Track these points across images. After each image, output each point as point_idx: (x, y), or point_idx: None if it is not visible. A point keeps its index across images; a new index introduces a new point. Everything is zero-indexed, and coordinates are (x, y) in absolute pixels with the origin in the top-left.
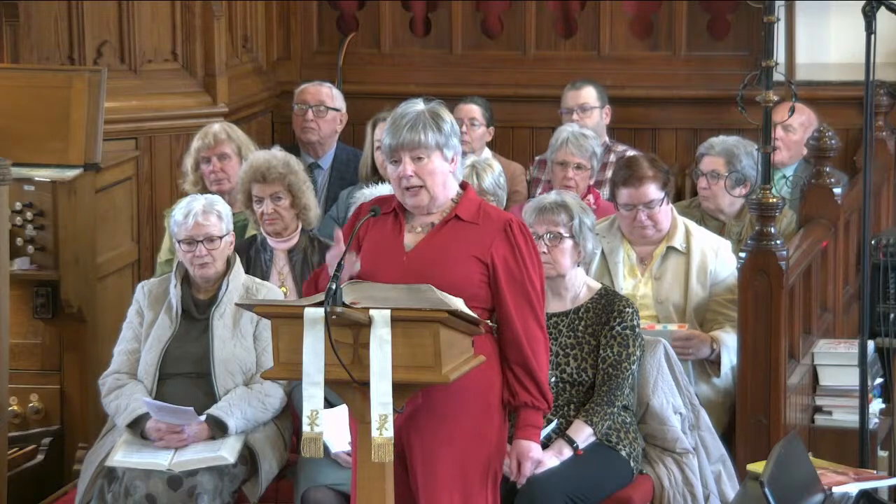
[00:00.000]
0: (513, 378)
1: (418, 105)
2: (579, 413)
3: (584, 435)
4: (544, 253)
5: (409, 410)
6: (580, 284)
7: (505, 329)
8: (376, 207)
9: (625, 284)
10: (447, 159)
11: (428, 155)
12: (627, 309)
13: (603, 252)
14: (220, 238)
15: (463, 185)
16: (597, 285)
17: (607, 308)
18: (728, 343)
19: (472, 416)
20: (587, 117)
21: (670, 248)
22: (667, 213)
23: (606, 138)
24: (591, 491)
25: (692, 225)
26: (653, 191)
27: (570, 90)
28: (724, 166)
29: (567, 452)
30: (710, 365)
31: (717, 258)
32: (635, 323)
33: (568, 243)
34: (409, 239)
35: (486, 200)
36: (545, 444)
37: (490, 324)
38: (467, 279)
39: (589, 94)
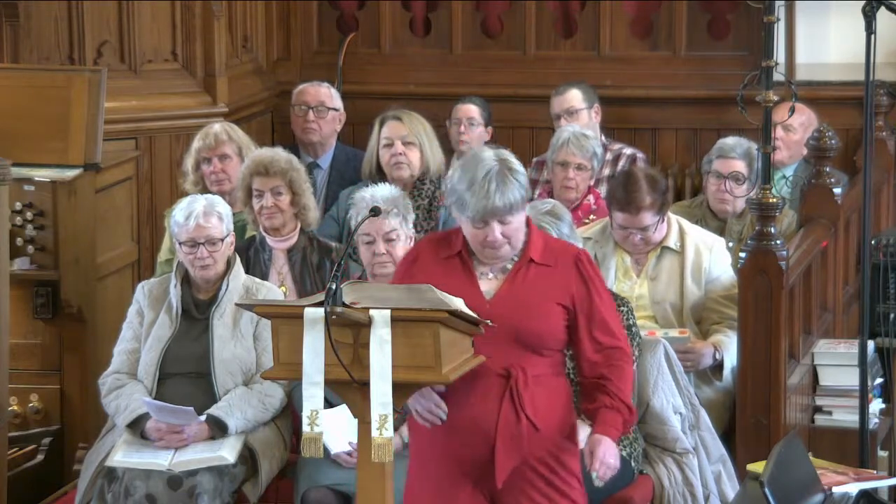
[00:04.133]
0: (592, 387)
1: (489, 160)
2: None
3: (584, 435)
4: None
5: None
6: None
7: (583, 361)
8: (376, 207)
9: (620, 286)
10: (525, 208)
11: (515, 215)
12: (622, 308)
13: (596, 257)
14: (222, 240)
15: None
16: None
17: None
18: (730, 347)
19: (559, 461)
20: (575, 120)
21: (665, 248)
22: (661, 230)
23: (603, 137)
24: (591, 491)
25: (685, 223)
26: (649, 218)
27: (555, 96)
28: (746, 168)
29: None
30: (712, 371)
31: (712, 255)
32: (630, 322)
33: None
34: (487, 285)
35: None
36: None
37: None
38: (554, 326)
39: (574, 98)
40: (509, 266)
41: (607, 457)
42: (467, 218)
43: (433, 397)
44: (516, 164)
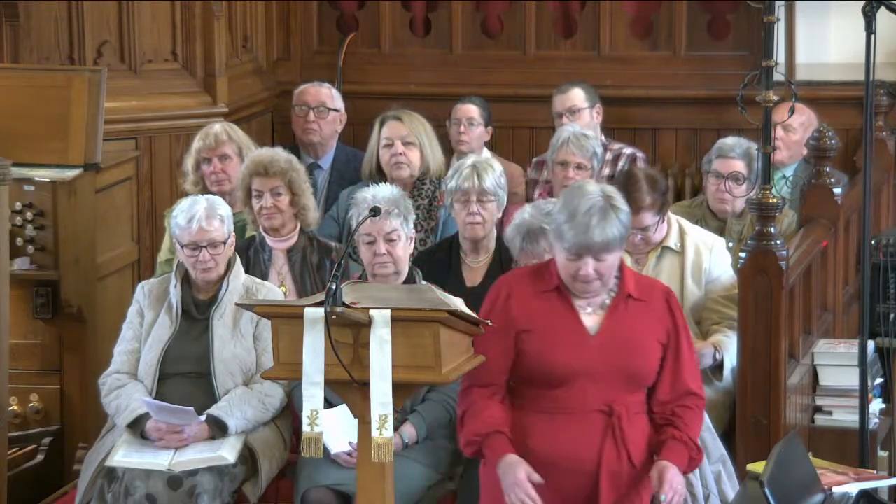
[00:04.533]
0: (662, 422)
1: (594, 195)
2: None
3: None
4: None
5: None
6: None
7: (655, 399)
8: (376, 208)
9: None
10: (622, 247)
11: (611, 253)
12: None
13: None
14: (224, 243)
15: None
16: None
17: None
18: (730, 347)
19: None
20: (577, 119)
21: (665, 248)
22: (661, 230)
23: (603, 137)
24: None
25: (685, 223)
26: (649, 218)
27: (557, 94)
28: (745, 168)
29: None
30: (712, 371)
31: (712, 255)
32: None
33: None
34: (588, 321)
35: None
36: None
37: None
38: (653, 363)
39: (576, 97)
40: (608, 301)
41: (675, 483)
42: (563, 249)
43: (528, 490)
44: (621, 201)
